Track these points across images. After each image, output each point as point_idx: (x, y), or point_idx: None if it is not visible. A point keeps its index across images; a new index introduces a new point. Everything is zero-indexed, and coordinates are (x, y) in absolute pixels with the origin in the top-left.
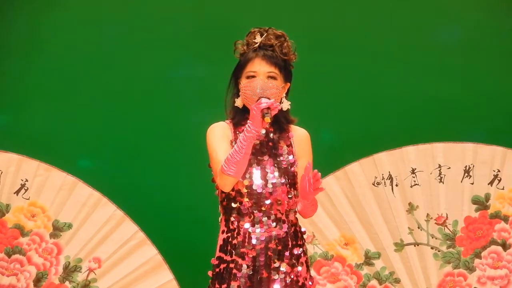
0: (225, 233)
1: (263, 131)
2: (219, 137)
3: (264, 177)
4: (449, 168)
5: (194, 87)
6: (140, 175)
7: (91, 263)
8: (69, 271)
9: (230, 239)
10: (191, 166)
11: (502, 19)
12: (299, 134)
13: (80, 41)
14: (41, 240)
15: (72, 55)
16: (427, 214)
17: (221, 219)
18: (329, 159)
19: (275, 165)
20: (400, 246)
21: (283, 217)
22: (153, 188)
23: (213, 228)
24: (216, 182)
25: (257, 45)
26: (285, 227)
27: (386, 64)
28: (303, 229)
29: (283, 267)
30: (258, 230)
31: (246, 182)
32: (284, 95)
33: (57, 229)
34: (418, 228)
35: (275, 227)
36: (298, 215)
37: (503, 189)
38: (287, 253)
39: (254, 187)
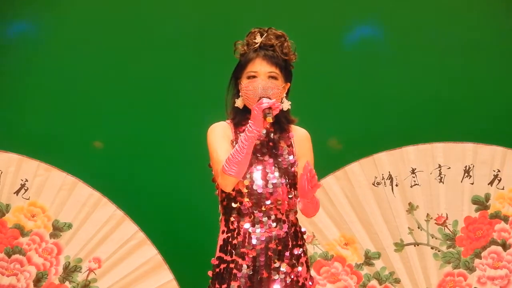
0: (225, 233)
1: (264, 131)
2: (220, 136)
3: (265, 177)
4: (449, 168)
5: (194, 87)
6: (140, 175)
7: (91, 263)
8: (69, 271)
9: (230, 239)
10: (191, 166)
11: (502, 19)
12: (299, 134)
13: (80, 41)
14: (41, 240)
15: (72, 55)
16: (427, 214)
17: (221, 219)
18: (329, 159)
19: (276, 165)
20: (400, 246)
21: (283, 217)
22: (153, 188)
23: (213, 228)
24: (217, 182)
25: (257, 45)
26: (285, 227)
27: (386, 64)
28: (303, 229)
29: (283, 267)
30: (258, 230)
31: (246, 182)
32: (285, 95)
33: (57, 229)
34: (418, 228)
35: (275, 227)
36: (298, 215)
37: (503, 189)
38: (287, 253)
39: (254, 187)
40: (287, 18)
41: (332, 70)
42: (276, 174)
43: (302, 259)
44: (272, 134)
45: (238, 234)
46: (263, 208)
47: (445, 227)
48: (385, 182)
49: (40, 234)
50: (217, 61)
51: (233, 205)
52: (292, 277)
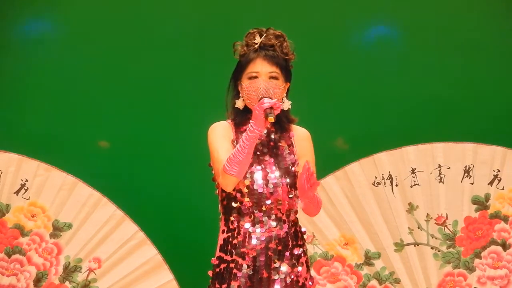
0: (225, 232)
1: (265, 131)
2: (221, 136)
3: (265, 177)
4: (449, 168)
5: (194, 87)
6: (140, 175)
7: (91, 263)
8: (69, 271)
9: (230, 239)
10: (191, 166)
11: (502, 19)
12: (299, 134)
13: (80, 41)
14: (41, 240)
15: (72, 55)
16: (427, 214)
17: (221, 218)
18: (329, 159)
19: (276, 165)
20: (400, 246)
21: (284, 217)
22: (153, 188)
23: (213, 228)
24: (218, 182)
25: (257, 45)
26: (286, 227)
27: (386, 64)
28: (303, 229)
29: (284, 267)
30: (258, 230)
31: (247, 182)
32: (285, 94)
33: (57, 229)
34: (418, 228)
35: (276, 227)
36: (298, 215)
37: (503, 189)
38: (287, 253)
39: (255, 187)
40: (287, 18)
41: (332, 70)
42: (277, 174)
43: (302, 259)
44: (273, 134)
45: (238, 233)
46: (264, 208)
47: (445, 227)
48: (385, 182)
49: (40, 234)
50: (217, 61)
51: (233, 204)
52: (292, 277)
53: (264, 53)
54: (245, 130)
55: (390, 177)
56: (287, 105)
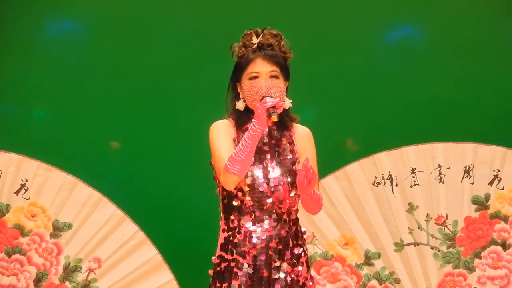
0: (225, 231)
1: (266, 130)
2: (222, 134)
3: (266, 175)
4: (449, 168)
5: (194, 87)
6: (140, 175)
7: (91, 263)
8: (69, 271)
9: (231, 238)
10: (191, 166)
11: (502, 19)
12: (301, 132)
13: (80, 41)
14: (41, 240)
15: (72, 55)
16: (427, 214)
17: (221, 217)
18: (329, 159)
19: (277, 163)
20: (400, 246)
21: (285, 216)
22: (153, 188)
23: (213, 227)
24: (219, 180)
25: (255, 45)
26: (286, 226)
27: (386, 64)
28: (303, 229)
29: (284, 267)
30: (259, 229)
31: (248, 181)
32: (285, 93)
33: (57, 229)
34: (418, 228)
35: (276, 226)
36: (299, 215)
37: (503, 189)
38: (287, 253)
39: (256, 185)
40: (287, 18)
41: (332, 70)
42: (278, 172)
43: (303, 259)
44: (275, 132)
45: (239, 232)
46: (264, 207)
47: (445, 227)
48: (385, 182)
49: (40, 234)
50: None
51: (234, 203)
52: (293, 276)
53: (264, 53)
54: (247, 129)
55: (390, 177)
56: (287, 103)
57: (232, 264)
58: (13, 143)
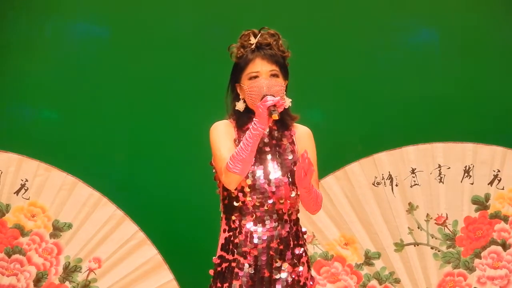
0: (226, 231)
1: (267, 130)
2: (223, 135)
3: (267, 176)
4: (449, 168)
5: (194, 87)
6: (140, 175)
7: (91, 263)
8: (69, 271)
9: (232, 238)
10: (191, 166)
11: (502, 19)
12: (301, 132)
13: (80, 41)
14: (41, 240)
15: (72, 55)
16: (427, 214)
17: (222, 217)
18: (329, 159)
19: (278, 164)
20: (400, 246)
21: (285, 217)
22: (153, 188)
23: (213, 227)
24: (220, 180)
25: (253, 45)
26: (287, 226)
27: (386, 64)
28: (303, 229)
29: (285, 267)
30: (260, 229)
31: (249, 181)
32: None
33: (57, 229)
34: (418, 228)
35: (277, 226)
36: (299, 215)
37: (503, 189)
38: (288, 253)
39: (256, 186)
40: (287, 18)
41: (331, 70)
42: (279, 172)
43: (303, 259)
44: (275, 133)
45: (240, 233)
46: (265, 207)
47: (445, 227)
48: (385, 182)
49: (40, 234)
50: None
51: (235, 203)
52: (294, 276)
53: (263, 53)
54: (248, 129)
55: (390, 177)
56: (287, 102)
57: (233, 264)
58: (13, 143)
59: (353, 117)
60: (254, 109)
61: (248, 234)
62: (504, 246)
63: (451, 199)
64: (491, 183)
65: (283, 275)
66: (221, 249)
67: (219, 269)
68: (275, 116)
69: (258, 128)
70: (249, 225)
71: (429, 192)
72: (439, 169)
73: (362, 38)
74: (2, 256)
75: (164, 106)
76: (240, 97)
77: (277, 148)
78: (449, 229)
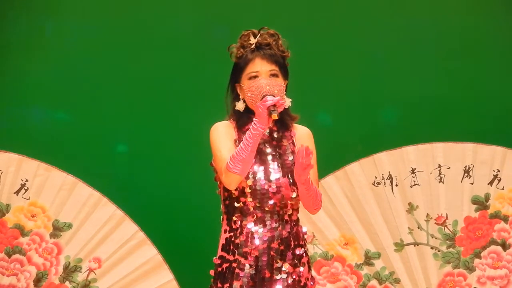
0: (227, 232)
1: (267, 131)
2: (223, 135)
3: (268, 176)
4: (449, 168)
5: (194, 87)
6: (140, 175)
7: (91, 263)
8: (69, 271)
9: (232, 239)
10: (191, 166)
11: (502, 19)
12: (301, 132)
13: (80, 41)
14: (41, 240)
15: (72, 55)
16: (427, 214)
17: (223, 218)
18: (329, 159)
19: (279, 164)
20: (400, 246)
21: (286, 217)
22: (153, 188)
23: (213, 227)
24: (220, 181)
25: (253, 45)
26: (288, 227)
27: (386, 64)
28: (304, 229)
29: (286, 267)
30: (261, 230)
31: (249, 182)
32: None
33: (57, 229)
34: (418, 228)
35: (278, 227)
36: (300, 215)
37: (503, 189)
38: (289, 253)
39: (257, 187)
40: (287, 18)
41: (331, 70)
42: (279, 173)
43: (304, 259)
44: (275, 133)
45: (241, 233)
46: (266, 208)
47: (445, 227)
48: (385, 182)
49: (40, 234)
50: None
51: (236, 204)
52: (294, 277)
53: (262, 53)
54: (248, 129)
55: (390, 177)
56: (287, 102)
57: (234, 264)
58: (13, 143)
59: (353, 117)
60: (254, 109)
61: (249, 235)
62: (504, 246)
63: (451, 199)
64: (491, 183)
65: (284, 275)
66: (222, 250)
67: (219, 269)
68: (275, 116)
69: (258, 128)
70: (250, 226)
71: (429, 192)
72: (439, 169)
73: (362, 38)
74: (2, 256)
75: (164, 106)
76: (240, 97)
77: (278, 149)
78: (449, 229)
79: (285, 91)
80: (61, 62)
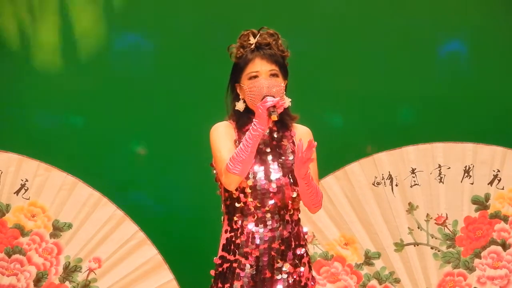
0: (228, 232)
1: (267, 131)
2: (223, 136)
3: (268, 177)
4: (449, 168)
5: (194, 87)
6: (140, 175)
7: (91, 263)
8: (69, 271)
9: (233, 239)
10: (191, 166)
11: (502, 19)
12: (301, 132)
13: (80, 41)
14: (41, 240)
15: (72, 55)
16: (427, 214)
17: (223, 218)
18: (329, 159)
19: (279, 164)
20: (400, 246)
21: (287, 217)
22: (153, 188)
23: (213, 227)
24: (221, 181)
25: (253, 45)
26: (289, 227)
27: (387, 64)
28: (305, 230)
29: (286, 267)
30: (261, 230)
31: (250, 182)
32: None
33: (57, 229)
34: (418, 228)
35: (279, 227)
36: (300, 215)
37: (503, 189)
38: (290, 253)
39: (257, 187)
40: (287, 17)
41: (332, 70)
42: (280, 173)
43: (305, 259)
44: (275, 133)
45: (242, 233)
46: (267, 208)
47: (445, 227)
48: (385, 182)
49: (40, 234)
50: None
51: (237, 204)
52: (295, 277)
53: (262, 52)
54: (248, 130)
55: (390, 177)
56: (287, 102)
57: (235, 265)
58: (13, 143)
59: (353, 117)
60: (254, 109)
61: (250, 235)
62: (504, 246)
63: (451, 199)
64: (491, 183)
65: (284, 275)
66: (223, 250)
67: (220, 269)
68: (275, 117)
69: (258, 128)
70: (251, 226)
71: (429, 192)
72: (439, 169)
73: (362, 38)
74: (2, 256)
75: (164, 106)
76: (240, 97)
77: (278, 149)
78: (449, 229)
79: (285, 91)
80: (61, 62)
